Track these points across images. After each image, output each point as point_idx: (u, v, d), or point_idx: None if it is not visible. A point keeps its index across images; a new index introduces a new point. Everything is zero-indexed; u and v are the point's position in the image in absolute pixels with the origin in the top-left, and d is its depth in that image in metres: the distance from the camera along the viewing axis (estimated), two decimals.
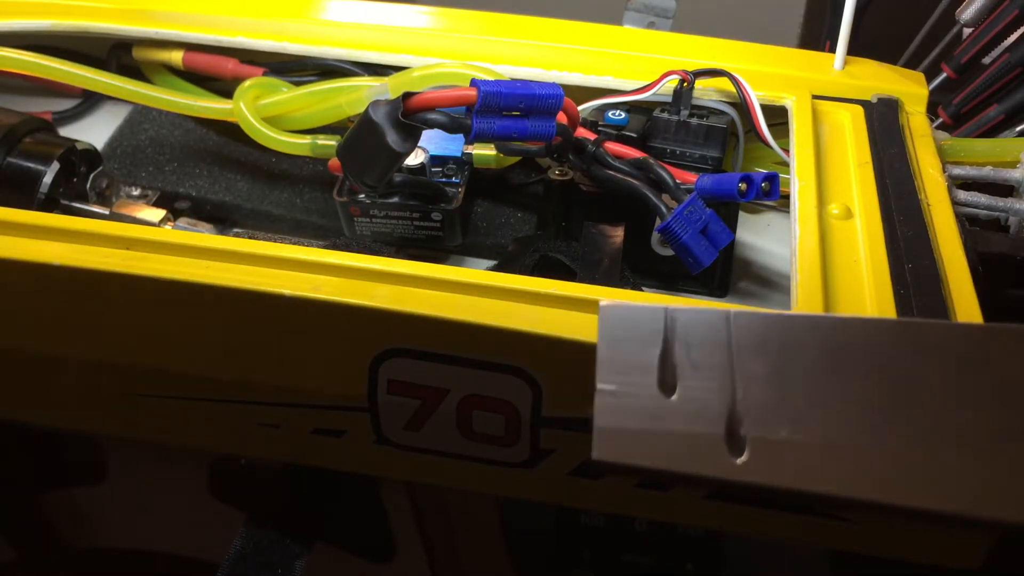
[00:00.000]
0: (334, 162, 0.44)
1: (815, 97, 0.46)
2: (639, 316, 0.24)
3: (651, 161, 0.41)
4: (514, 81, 0.38)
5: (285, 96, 0.47)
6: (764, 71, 0.47)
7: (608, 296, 0.34)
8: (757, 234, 0.47)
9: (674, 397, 0.22)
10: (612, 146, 0.43)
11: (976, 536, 0.32)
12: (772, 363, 0.23)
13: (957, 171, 0.44)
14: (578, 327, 0.33)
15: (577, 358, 0.33)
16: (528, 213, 0.47)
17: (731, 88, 0.44)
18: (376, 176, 0.40)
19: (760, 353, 0.23)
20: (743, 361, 0.23)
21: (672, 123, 0.44)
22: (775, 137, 0.44)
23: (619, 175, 0.41)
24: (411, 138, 0.39)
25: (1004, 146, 0.46)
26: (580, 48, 0.49)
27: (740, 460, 0.21)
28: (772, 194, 0.39)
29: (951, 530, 0.31)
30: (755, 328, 0.23)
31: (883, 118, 0.45)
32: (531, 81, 0.39)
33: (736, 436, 0.22)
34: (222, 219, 0.49)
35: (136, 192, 0.49)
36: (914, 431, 0.22)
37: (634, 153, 0.43)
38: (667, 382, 0.23)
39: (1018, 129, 0.51)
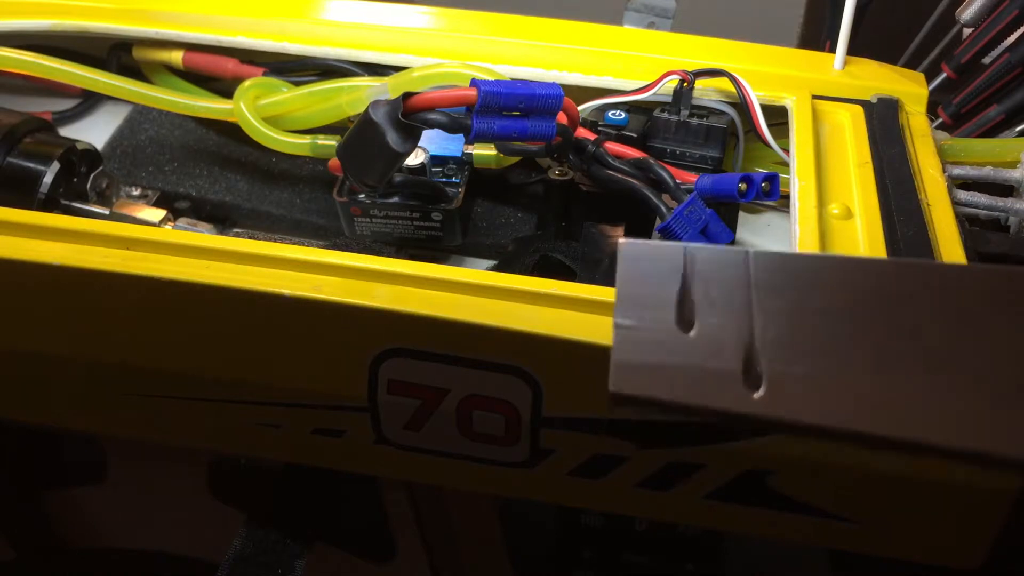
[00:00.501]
0: (334, 162, 0.44)
1: (815, 97, 0.46)
2: (658, 254, 0.24)
3: (651, 161, 0.41)
4: (514, 81, 0.38)
5: (285, 96, 0.47)
6: (764, 71, 0.47)
7: (609, 296, 0.34)
8: (757, 234, 0.47)
9: (692, 333, 0.22)
10: (612, 146, 0.43)
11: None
12: (790, 301, 0.23)
13: (957, 171, 0.44)
14: (578, 327, 0.33)
15: (577, 358, 0.33)
16: (528, 213, 0.47)
17: (731, 88, 0.44)
18: (376, 176, 0.40)
19: (778, 291, 0.23)
20: (761, 299, 0.23)
21: (672, 123, 0.44)
22: (775, 137, 0.44)
23: (619, 175, 0.41)
24: (411, 138, 0.39)
25: (1004, 146, 0.46)
26: (580, 48, 0.49)
27: (757, 395, 0.21)
28: (772, 194, 0.39)
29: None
30: (774, 267, 0.23)
31: (883, 118, 0.45)
32: (531, 81, 0.39)
33: (753, 371, 0.22)
34: (222, 219, 0.49)
35: (136, 192, 0.49)
36: (933, 369, 0.21)
37: (634, 153, 0.43)
38: (685, 318, 0.23)
39: (1018, 129, 0.51)
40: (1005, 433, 0.20)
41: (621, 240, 0.24)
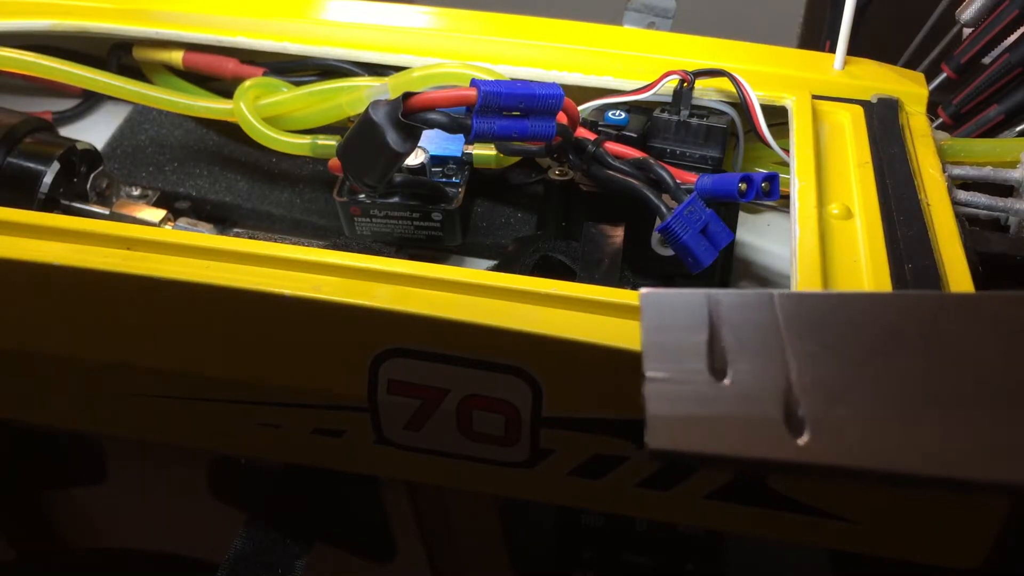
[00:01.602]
0: (334, 162, 0.44)
1: (815, 97, 0.46)
2: (681, 302, 0.23)
3: (651, 161, 0.41)
4: (514, 81, 0.38)
5: (285, 96, 0.47)
6: (764, 71, 0.47)
7: (608, 296, 0.34)
8: (757, 234, 0.47)
9: (726, 381, 0.22)
10: (612, 146, 0.43)
11: None
12: (823, 341, 0.22)
13: (957, 171, 0.44)
14: (578, 327, 0.33)
15: (577, 358, 0.33)
16: (528, 213, 0.47)
17: (731, 88, 0.44)
18: (376, 176, 0.40)
19: (808, 332, 0.22)
20: (792, 341, 0.22)
21: (672, 123, 0.44)
22: (775, 137, 0.44)
23: (619, 175, 0.41)
24: (411, 138, 0.39)
25: (1004, 146, 0.46)
26: (580, 48, 0.49)
27: (801, 441, 0.21)
28: (772, 194, 0.39)
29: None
30: (801, 307, 0.23)
31: (883, 118, 0.45)
32: (531, 81, 0.39)
33: (794, 417, 0.21)
34: (222, 219, 0.49)
35: (136, 192, 0.49)
36: (976, 402, 0.21)
37: (634, 153, 0.43)
38: (717, 366, 0.22)
39: (1018, 129, 0.51)
40: None
41: (643, 290, 0.23)
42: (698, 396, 0.21)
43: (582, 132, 0.43)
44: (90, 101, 0.56)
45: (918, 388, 0.21)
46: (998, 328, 0.22)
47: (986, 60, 0.53)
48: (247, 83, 0.47)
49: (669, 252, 0.40)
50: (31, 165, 0.44)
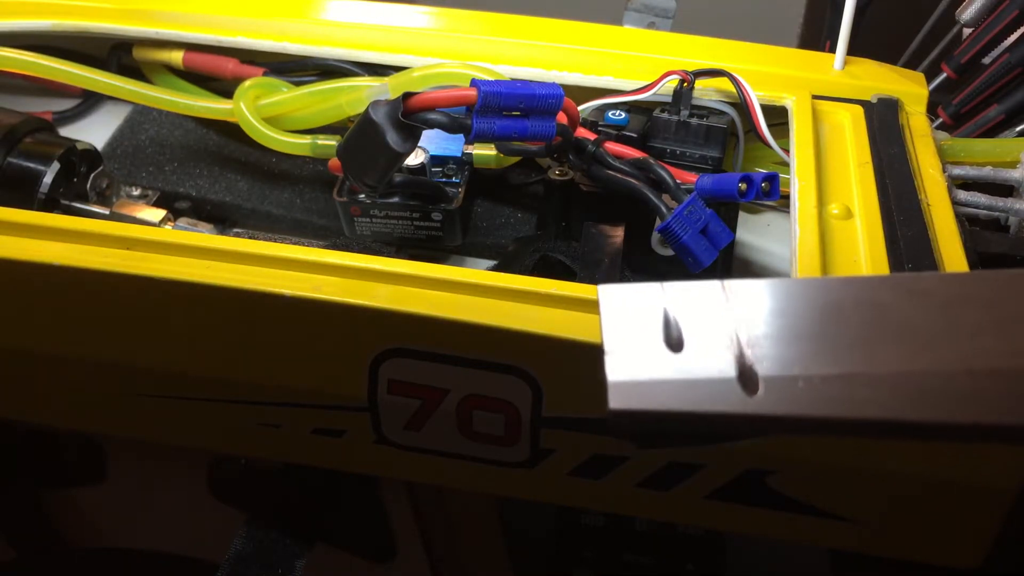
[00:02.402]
0: (334, 162, 0.44)
1: (815, 97, 0.46)
2: (637, 293, 0.25)
3: (651, 161, 0.41)
4: (514, 81, 0.38)
5: (285, 96, 0.47)
6: (764, 71, 0.47)
7: None
8: (757, 234, 0.47)
9: (682, 352, 0.23)
10: (612, 146, 0.43)
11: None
12: (772, 322, 0.24)
13: (957, 171, 0.44)
14: (578, 327, 0.33)
15: (577, 358, 0.33)
16: (528, 213, 0.47)
17: (731, 88, 0.44)
18: (376, 176, 0.40)
19: (759, 314, 0.24)
20: (744, 322, 0.24)
21: (672, 123, 0.44)
22: (775, 137, 0.44)
23: (619, 175, 0.41)
24: (411, 138, 0.39)
25: (1004, 146, 0.46)
26: (580, 48, 0.49)
27: (756, 396, 0.22)
28: (772, 194, 0.39)
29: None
30: (750, 294, 0.24)
31: (883, 118, 0.45)
32: (531, 81, 0.39)
33: (749, 376, 0.22)
34: (222, 219, 0.49)
35: (136, 192, 0.49)
36: (920, 359, 0.22)
37: (634, 153, 0.43)
38: (673, 341, 0.23)
39: (1018, 129, 0.51)
40: (999, 401, 0.21)
41: (600, 286, 0.25)
42: (656, 364, 0.23)
43: (582, 132, 0.43)
44: (90, 101, 0.56)
45: (862, 352, 0.23)
46: (934, 301, 0.23)
47: (986, 60, 0.53)
48: (247, 83, 0.47)
49: (669, 252, 0.40)
50: (31, 165, 0.44)
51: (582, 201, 0.43)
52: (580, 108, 0.43)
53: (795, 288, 0.25)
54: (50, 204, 0.44)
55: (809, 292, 0.24)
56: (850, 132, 0.44)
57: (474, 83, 0.37)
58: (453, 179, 0.45)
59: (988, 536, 0.34)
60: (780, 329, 0.23)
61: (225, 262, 0.36)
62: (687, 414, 0.22)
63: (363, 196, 0.44)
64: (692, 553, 0.48)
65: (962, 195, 0.43)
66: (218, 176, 0.50)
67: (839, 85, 0.47)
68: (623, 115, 0.45)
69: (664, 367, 0.23)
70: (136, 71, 0.53)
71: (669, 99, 0.45)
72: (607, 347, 0.23)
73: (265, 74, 0.49)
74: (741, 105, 0.44)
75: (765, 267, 0.46)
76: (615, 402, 0.22)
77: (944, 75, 0.55)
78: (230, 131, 0.51)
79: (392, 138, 0.38)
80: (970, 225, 0.42)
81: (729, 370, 0.23)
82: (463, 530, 0.50)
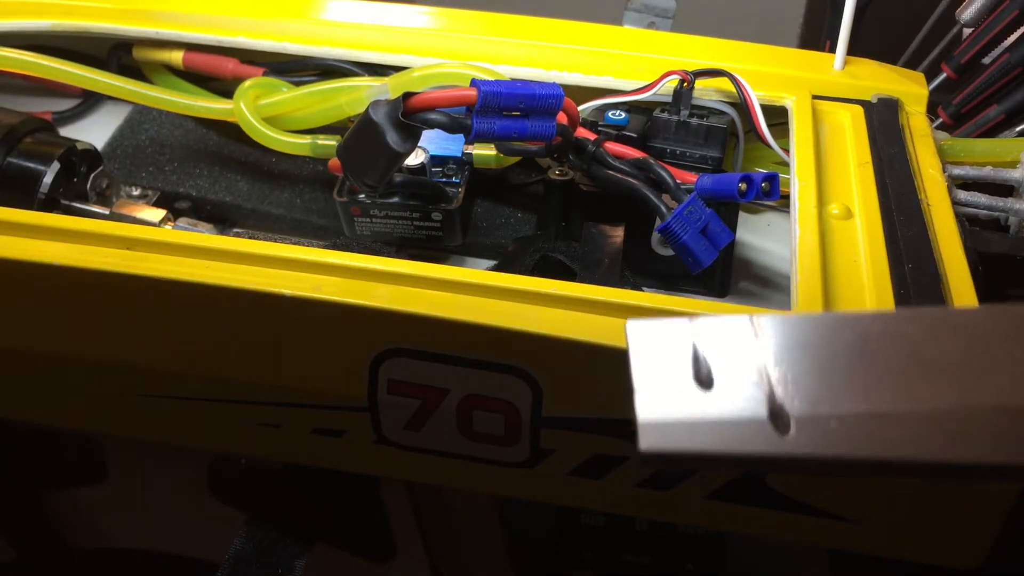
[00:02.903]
0: (334, 162, 0.44)
1: (815, 97, 0.46)
2: (665, 328, 0.24)
3: (651, 161, 0.41)
4: (514, 81, 0.38)
5: (285, 96, 0.47)
6: (764, 71, 0.47)
7: (608, 296, 0.34)
8: (757, 234, 0.47)
9: (712, 391, 0.23)
10: (612, 146, 0.43)
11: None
12: (802, 357, 0.23)
13: (957, 171, 0.44)
14: (578, 327, 0.33)
15: (577, 358, 0.33)
16: (528, 213, 0.47)
17: (731, 88, 0.44)
18: (376, 176, 0.40)
19: (789, 349, 0.24)
20: (773, 357, 0.23)
21: (672, 123, 0.44)
22: (775, 137, 0.44)
23: (619, 175, 0.41)
24: (411, 138, 0.39)
25: (1004, 146, 0.46)
26: (580, 48, 0.49)
27: (788, 436, 0.22)
28: (772, 194, 0.39)
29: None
30: (779, 329, 0.24)
31: (883, 118, 0.45)
32: (531, 81, 0.39)
33: (780, 416, 0.22)
34: (222, 219, 0.49)
35: (136, 192, 0.49)
36: (952, 396, 0.22)
37: (634, 153, 0.43)
38: (703, 379, 0.23)
39: (1018, 129, 0.51)
40: None
41: (629, 321, 0.25)
42: (686, 403, 0.23)
43: (582, 132, 0.43)
44: (90, 101, 0.56)
45: (894, 389, 0.22)
46: (960, 334, 0.23)
47: (986, 60, 0.53)
48: (247, 83, 0.47)
49: (669, 252, 0.40)
50: (31, 165, 0.44)
51: (582, 201, 0.43)
52: (580, 108, 0.43)
53: (824, 322, 0.24)
54: (50, 204, 0.44)
55: (838, 326, 0.24)
56: (850, 132, 0.44)
57: (474, 83, 0.37)
58: (453, 179, 0.45)
59: (988, 536, 0.34)
60: (810, 364, 0.23)
61: (225, 262, 0.36)
62: (719, 455, 0.22)
63: (363, 196, 0.44)
64: (692, 553, 0.48)
65: (962, 195, 0.43)
66: (218, 176, 0.50)
67: (839, 85, 0.47)
68: (623, 115, 0.45)
69: (694, 406, 0.23)
70: (136, 71, 0.53)
71: (669, 99, 0.45)
72: (636, 385, 0.23)
73: (265, 74, 0.49)
74: (741, 105, 0.44)
75: (765, 267, 0.46)
76: (646, 443, 0.22)
77: (944, 75, 0.55)
78: (230, 131, 0.51)
79: (392, 138, 0.38)
80: (970, 225, 0.42)
81: (760, 409, 0.22)
82: (463, 530, 0.50)
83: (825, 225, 0.38)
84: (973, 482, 0.32)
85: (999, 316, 0.24)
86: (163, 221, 0.46)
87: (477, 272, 0.36)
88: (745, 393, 0.23)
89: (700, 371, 0.23)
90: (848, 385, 0.23)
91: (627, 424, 0.34)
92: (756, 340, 0.24)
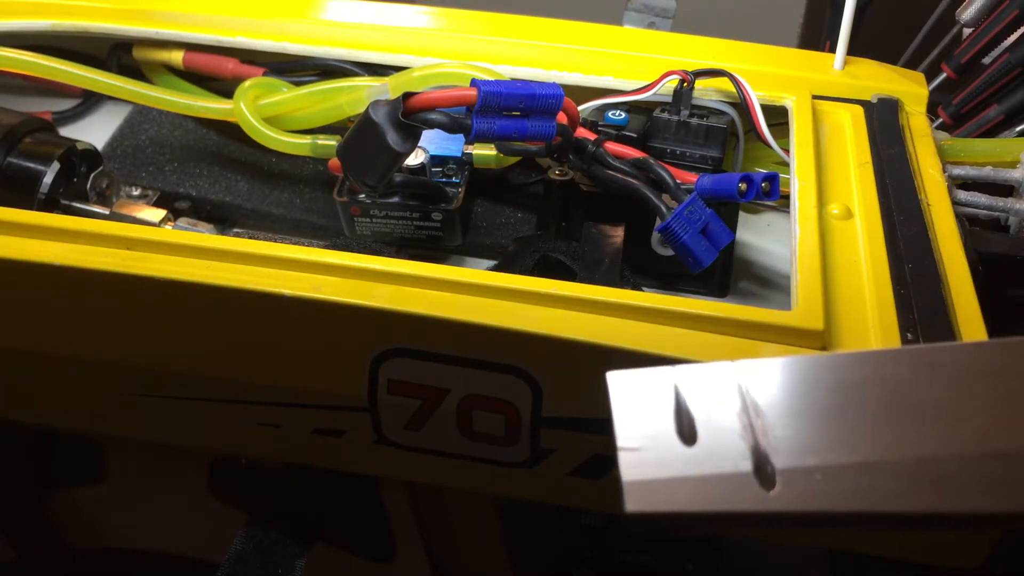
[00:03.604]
0: (334, 162, 0.44)
1: (815, 97, 0.46)
2: (647, 380, 0.24)
3: (651, 161, 0.41)
4: (514, 81, 0.38)
5: (285, 96, 0.47)
6: (764, 71, 0.47)
7: (608, 296, 0.34)
8: (757, 234, 0.47)
9: (695, 446, 0.23)
10: (612, 146, 0.43)
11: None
12: (786, 403, 0.23)
13: (957, 171, 0.44)
14: (578, 327, 0.33)
15: (577, 358, 0.33)
16: (528, 213, 0.47)
17: (731, 88, 0.44)
18: (376, 176, 0.40)
19: (772, 395, 0.24)
20: (756, 404, 0.23)
21: (672, 123, 0.44)
22: (775, 137, 0.44)
23: (619, 175, 0.41)
24: (411, 138, 0.39)
25: (1004, 146, 0.46)
26: (580, 48, 0.49)
27: (773, 492, 0.22)
28: (772, 194, 0.39)
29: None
30: (760, 373, 0.24)
31: (883, 118, 0.45)
32: (531, 81, 0.39)
33: (765, 471, 0.22)
34: (222, 219, 0.49)
35: (136, 192, 0.49)
36: (938, 442, 0.22)
37: (634, 153, 0.43)
38: (686, 433, 0.23)
39: (1018, 129, 0.51)
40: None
41: (609, 373, 0.25)
42: (670, 460, 0.23)
43: (582, 132, 0.43)
44: (90, 101, 0.56)
45: (879, 435, 0.22)
46: (952, 375, 0.23)
47: (986, 60, 0.53)
48: (247, 83, 0.47)
49: (669, 252, 0.40)
50: (31, 165, 0.44)
51: (582, 201, 0.43)
52: (580, 108, 0.43)
53: (807, 366, 0.24)
54: (50, 204, 0.44)
55: (821, 370, 0.24)
56: (850, 132, 0.44)
57: (474, 83, 0.37)
58: (453, 179, 0.45)
59: (988, 536, 0.34)
60: (794, 411, 0.23)
61: (225, 262, 0.36)
62: (704, 515, 0.22)
63: (363, 196, 0.44)
64: (692, 553, 0.48)
65: (962, 195, 0.43)
66: (218, 176, 0.50)
67: (839, 85, 0.47)
68: (623, 115, 0.45)
69: (678, 464, 0.23)
70: (136, 71, 0.53)
71: (669, 99, 0.45)
72: (620, 442, 0.23)
73: (265, 74, 0.49)
74: (741, 105, 0.44)
75: (765, 267, 0.46)
76: (632, 504, 0.22)
77: (944, 75, 0.55)
78: (230, 131, 0.51)
79: (392, 138, 0.38)
80: (970, 225, 0.42)
81: (744, 464, 0.22)
82: (463, 530, 0.50)
83: (825, 225, 0.38)
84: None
85: (981, 353, 0.24)
86: (163, 221, 0.46)
87: (477, 272, 0.36)
88: (729, 446, 0.23)
89: (683, 425, 0.23)
90: (833, 432, 0.23)
91: None
92: (738, 387, 0.24)
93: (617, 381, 0.24)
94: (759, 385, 0.24)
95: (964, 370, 0.23)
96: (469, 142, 0.39)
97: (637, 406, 0.24)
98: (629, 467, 0.23)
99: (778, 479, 0.22)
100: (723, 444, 0.23)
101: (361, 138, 0.39)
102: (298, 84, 0.48)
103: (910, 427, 0.22)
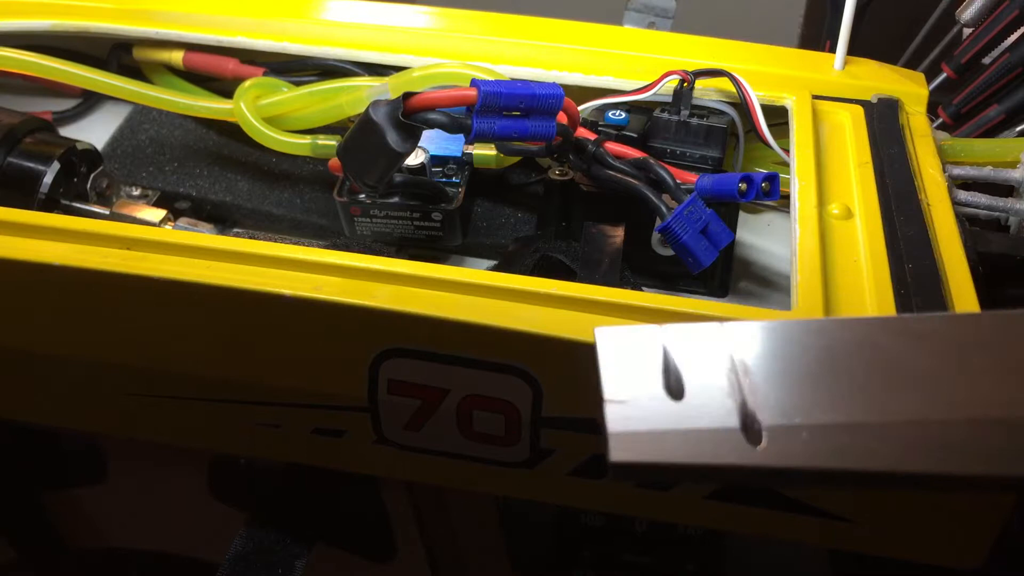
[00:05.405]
0: (334, 162, 0.44)
1: (815, 97, 0.46)
2: (635, 337, 0.24)
3: (651, 161, 0.41)
4: (514, 81, 0.38)
5: (285, 96, 0.47)
6: (764, 71, 0.47)
7: (608, 296, 0.34)
8: (757, 234, 0.47)
9: (683, 401, 0.23)
10: (612, 146, 0.43)
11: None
12: (773, 365, 0.23)
13: (957, 171, 0.44)
14: (578, 327, 0.33)
15: (577, 358, 0.33)
16: (528, 213, 0.47)
17: (731, 88, 0.44)
18: (376, 176, 0.40)
19: (760, 357, 0.24)
20: (744, 365, 0.23)
21: (672, 123, 0.44)
22: (775, 137, 0.44)
23: (619, 175, 0.41)
24: (411, 138, 0.39)
25: (1004, 146, 0.46)
26: (580, 48, 0.49)
27: (759, 448, 0.22)
28: (772, 194, 0.39)
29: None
30: (749, 335, 0.24)
31: (883, 118, 0.45)
32: (531, 81, 0.39)
33: (751, 427, 0.22)
34: (222, 219, 0.49)
35: (136, 192, 0.49)
36: (925, 406, 0.22)
37: (634, 153, 0.43)
38: (673, 389, 0.23)
39: (1018, 129, 0.51)
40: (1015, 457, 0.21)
41: (597, 329, 0.24)
42: (656, 414, 0.23)
43: (582, 132, 0.43)
44: (90, 101, 0.56)
45: (864, 399, 0.22)
46: (940, 344, 0.23)
47: (986, 60, 0.53)
48: (247, 83, 0.47)
49: (669, 252, 0.40)
50: (31, 165, 0.44)
51: (582, 201, 0.43)
52: (580, 108, 0.43)
53: (795, 330, 0.24)
54: (50, 204, 0.44)
55: (809, 334, 0.24)
56: (850, 132, 0.44)
57: (474, 83, 0.37)
58: (453, 179, 0.45)
59: (989, 536, 0.34)
60: (781, 373, 0.23)
61: (225, 262, 0.36)
62: (690, 466, 0.22)
63: (363, 196, 0.44)
64: (692, 553, 0.48)
65: (962, 195, 0.43)
66: (218, 176, 0.50)
67: (839, 85, 0.47)
68: (623, 115, 0.45)
69: (665, 417, 0.22)
70: (136, 71, 0.53)
71: (669, 99, 0.45)
72: (606, 395, 0.23)
73: (265, 74, 0.49)
74: (741, 105, 0.44)
75: (765, 267, 0.46)
76: (616, 454, 0.22)
77: (944, 75, 0.55)
78: (230, 131, 0.51)
79: (392, 138, 0.38)
80: (970, 225, 0.42)
81: (731, 420, 0.22)
82: (463, 530, 0.50)
83: (825, 225, 0.38)
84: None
85: (970, 324, 0.24)
86: (163, 221, 0.46)
87: (477, 272, 0.36)
88: (716, 403, 0.23)
89: (671, 380, 0.23)
90: (819, 394, 0.23)
91: None
92: (727, 346, 0.24)
93: (605, 336, 0.24)
94: (748, 346, 0.24)
95: (952, 341, 0.23)
96: (469, 142, 0.39)
97: (625, 361, 0.24)
98: (615, 419, 0.22)
99: (764, 435, 0.22)
100: (710, 400, 0.23)
101: (361, 138, 0.39)
102: (298, 84, 0.48)
103: (895, 392, 0.22)
